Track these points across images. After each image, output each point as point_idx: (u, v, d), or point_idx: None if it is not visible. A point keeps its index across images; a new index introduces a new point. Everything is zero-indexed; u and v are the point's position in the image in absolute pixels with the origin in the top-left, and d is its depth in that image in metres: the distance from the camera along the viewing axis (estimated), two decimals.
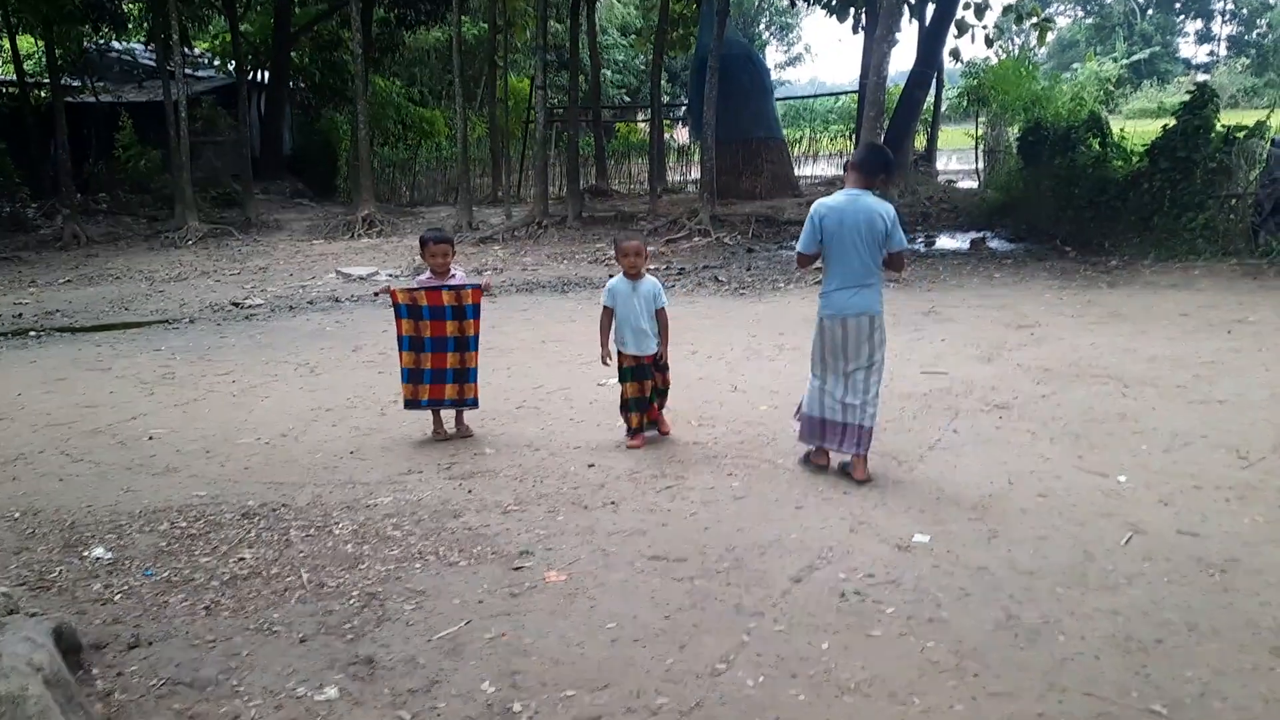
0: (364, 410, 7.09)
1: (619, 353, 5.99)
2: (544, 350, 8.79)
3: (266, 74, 27.82)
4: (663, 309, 6.02)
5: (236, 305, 12.17)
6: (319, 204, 24.39)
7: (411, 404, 6.28)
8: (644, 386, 6.01)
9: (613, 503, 5.10)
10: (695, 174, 25.72)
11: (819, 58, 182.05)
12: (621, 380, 6.02)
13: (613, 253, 13.74)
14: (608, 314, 6.02)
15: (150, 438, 6.53)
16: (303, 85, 29.13)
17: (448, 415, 6.42)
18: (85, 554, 4.59)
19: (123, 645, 3.68)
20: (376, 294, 6.34)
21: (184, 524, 4.97)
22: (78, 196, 20.49)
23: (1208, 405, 6.39)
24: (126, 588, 4.23)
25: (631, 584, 4.12)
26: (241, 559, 4.50)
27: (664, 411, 6.29)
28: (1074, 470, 5.32)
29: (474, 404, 6.36)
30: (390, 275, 14.38)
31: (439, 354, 6.16)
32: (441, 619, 3.84)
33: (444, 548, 4.56)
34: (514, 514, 4.98)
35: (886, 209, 5.24)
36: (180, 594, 4.15)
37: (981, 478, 5.27)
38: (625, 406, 6.05)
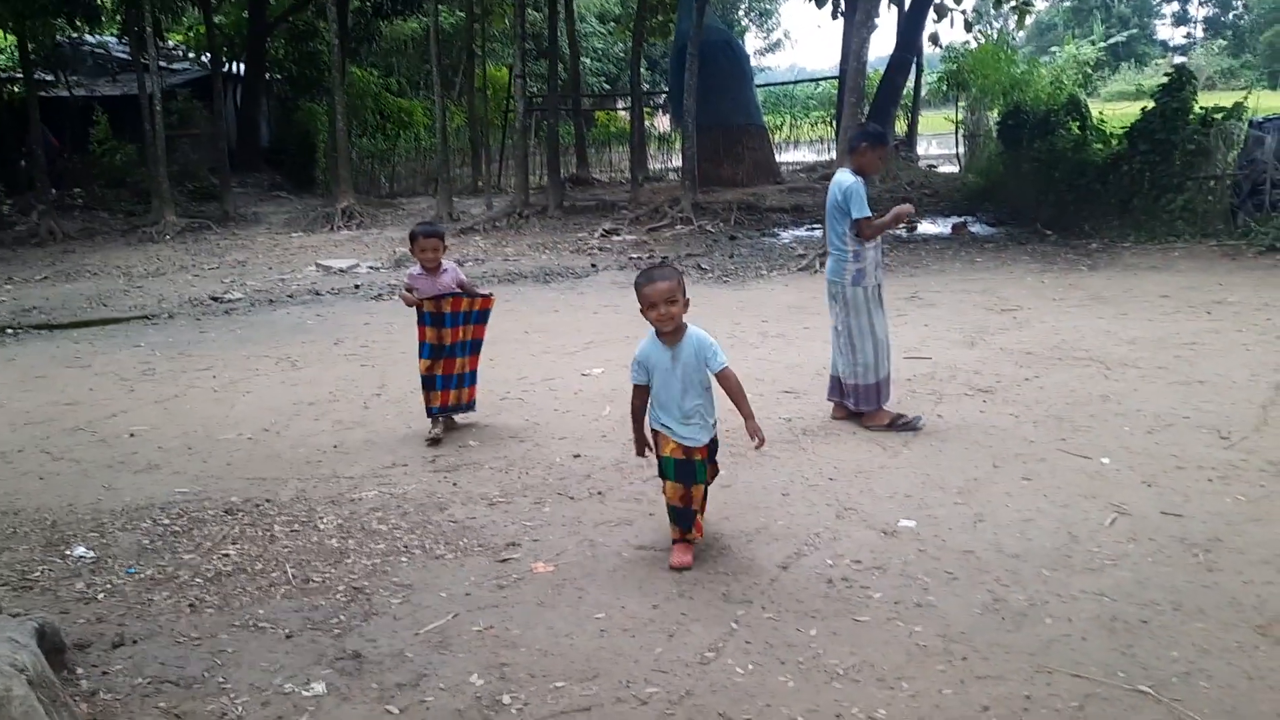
0: (347, 404, 7.05)
1: (655, 434, 4.23)
2: (527, 341, 8.75)
3: (242, 66, 27.57)
4: (724, 369, 4.09)
5: (216, 300, 12.07)
6: (297, 196, 24.20)
7: (430, 411, 6.17)
8: (690, 492, 4.15)
9: (599, 493, 5.09)
10: (676, 162, 25.66)
11: (799, 44, 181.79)
12: (662, 474, 4.24)
13: (592, 235, 13.76)
14: (640, 394, 4.23)
15: (131, 435, 6.48)
16: (279, 77, 28.89)
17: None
18: (67, 553, 4.55)
19: (107, 644, 3.65)
20: (410, 304, 6.07)
21: (167, 521, 4.93)
22: (53, 192, 20.28)
23: (1189, 386, 6.43)
24: (109, 586, 4.19)
25: (619, 574, 4.12)
26: (226, 555, 4.47)
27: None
28: (1058, 453, 5.34)
29: (473, 407, 6.34)
30: (370, 268, 14.30)
31: (450, 359, 6.10)
32: (428, 612, 3.82)
33: (430, 541, 4.54)
34: (500, 506, 4.97)
35: (841, 180, 5.79)
36: (164, 591, 4.12)
37: (966, 462, 5.28)
38: (673, 515, 4.24)
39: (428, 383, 6.10)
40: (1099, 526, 4.36)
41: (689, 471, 4.15)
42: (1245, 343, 7.47)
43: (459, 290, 6.10)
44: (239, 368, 8.33)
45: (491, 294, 6.28)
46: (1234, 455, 5.15)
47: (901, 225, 5.90)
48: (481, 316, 6.20)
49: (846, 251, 5.83)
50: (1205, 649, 3.30)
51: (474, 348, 6.23)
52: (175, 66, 28.11)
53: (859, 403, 5.95)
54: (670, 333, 4.04)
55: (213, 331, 10.09)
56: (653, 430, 4.23)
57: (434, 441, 6.02)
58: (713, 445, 4.28)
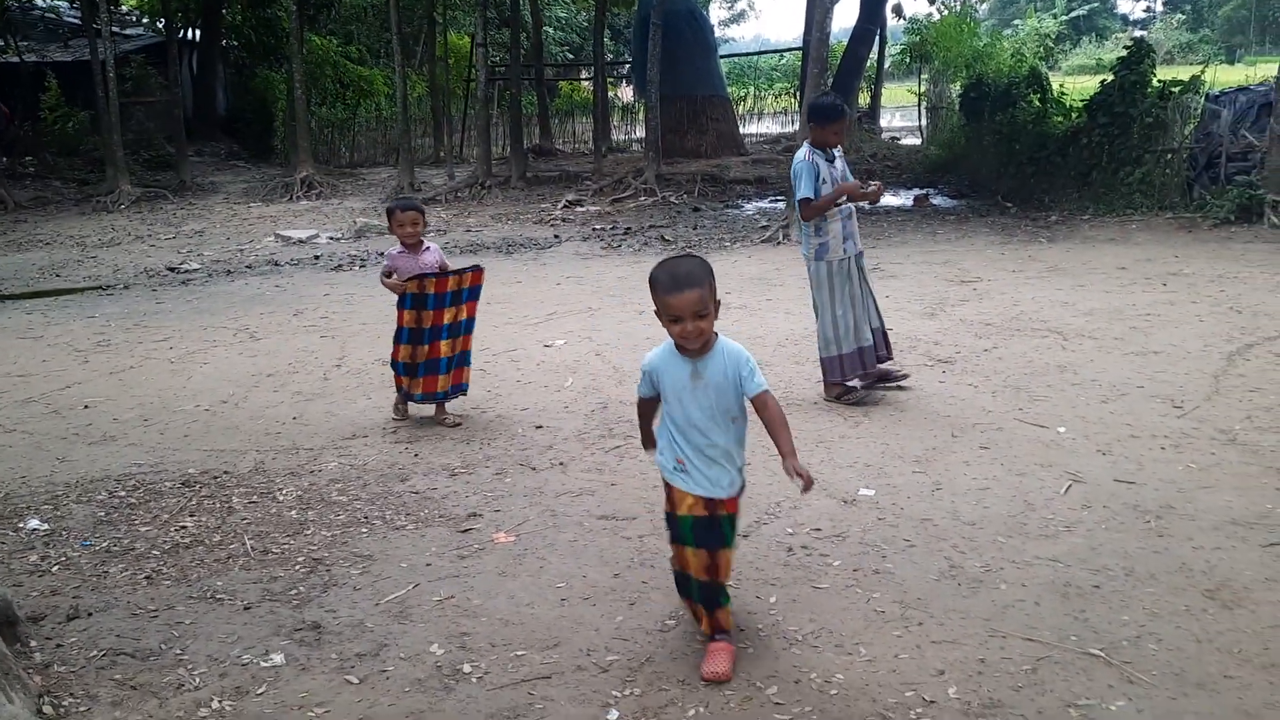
0: (306, 375, 6.98)
1: (667, 485, 3.24)
2: (489, 312, 8.68)
3: (198, 32, 27.03)
4: (763, 393, 3.12)
5: (173, 270, 11.89)
6: (255, 166, 23.86)
7: (406, 396, 5.84)
8: (717, 560, 3.18)
9: (561, 463, 5.09)
10: (640, 133, 25.54)
11: (762, 14, 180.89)
12: (676, 539, 3.21)
13: (555, 206, 13.69)
14: (648, 406, 3.42)
15: (86, 406, 6.38)
16: (236, 43, 28.36)
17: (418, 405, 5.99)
18: (20, 525, 4.48)
19: (61, 617, 3.60)
20: (397, 291, 5.63)
21: (123, 493, 4.87)
22: (3, 160, 19.82)
23: (1144, 356, 6.53)
24: (64, 559, 4.14)
25: (581, 543, 4.12)
26: (183, 527, 4.43)
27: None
28: (1015, 422, 5.41)
29: (463, 390, 5.91)
30: (330, 238, 14.14)
31: (435, 343, 5.66)
32: (389, 583, 3.81)
33: (390, 512, 4.52)
34: (461, 476, 4.95)
35: (796, 157, 5.86)
36: (120, 564, 4.07)
37: (925, 431, 5.33)
38: (693, 590, 3.24)
39: (407, 369, 5.71)
40: (1054, 494, 4.43)
41: (714, 533, 3.15)
42: (1199, 314, 7.59)
43: (440, 271, 5.68)
44: (196, 339, 8.22)
45: (481, 267, 5.82)
46: (1186, 424, 5.24)
47: (869, 202, 5.81)
48: (473, 293, 5.74)
49: (808, 226, 5.84)
50: (1155, 613, 3.37)
51: (466, 327, 5.77)
52: (129, 32, 27.52)
53: (823, 373, 6.00)
54: (694, 347, 3.11)
55: (169, 302, 9.95)
56: (663, 480, 3.26)
57: (401, 420, 5.83)
58: (738, 494, 3.25)
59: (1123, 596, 3.49)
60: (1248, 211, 11.46)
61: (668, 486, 3.24)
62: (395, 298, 5.67)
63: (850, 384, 5.88)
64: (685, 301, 3.00)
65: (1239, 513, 4.12)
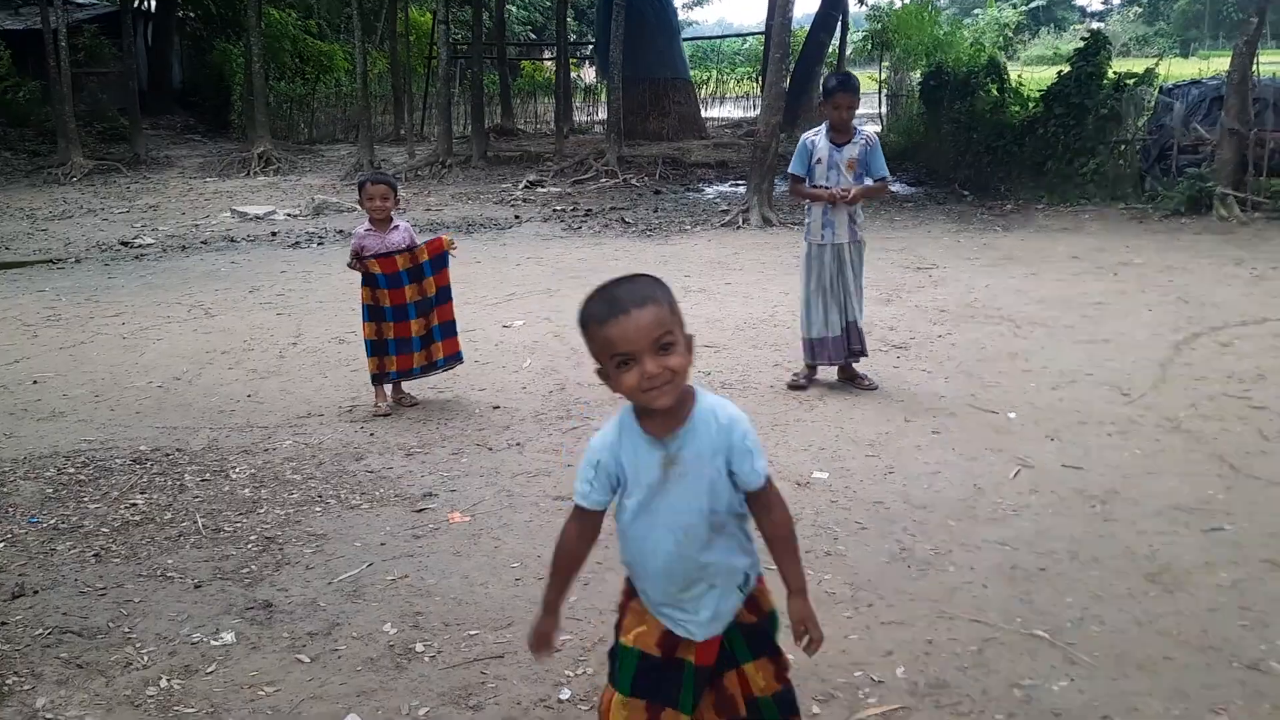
0: (261, 353, 6.91)
1: (624, 599, 2.25)
2: None
3: (153, 2, 26.49)
4: (765, 487, 2.09)
5: (126, 245, 11.70)
6: (212, 140, 23.50)
7: (379, 378, 5.63)
8: None
9: (518, 444, 5.08)
10: (602, 114, 25.45)
11: None
12: (611, 677, 2.18)
13: (516, 186, 13.69)
14: (585, 523, 2.18)
15: (35, 382, 6.27)
16: (192, 15, 27.86)
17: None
18: None
19: (6, 594, 3.55)
20: (350, 265, 5.54)
21: (72, 470, 4.79)
22: None
23: (1094, 344, 6.64)
24: (10, 536, 4.07)
25: (536, 524, 4.13)
26: (133, 505, 4.37)
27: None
28: (967, 408, 5.48)
29: (447, 363, 5.76)
30: (288, 215, 13.97)
31: (401, 323, 5.54)
32: (342, 562, 3.80)
33: (345, 491, 4.50)
34: (417, 456, 4.93)
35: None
36: (68, 541, 4.02)
37: (879, 416, 5.39)
38: None
39: (376, 348, 5.56)
40: (1003, 479, 4.50)
41: (664, 681, 2.12)
42: (1148, 303, 7.72)
43: (388, 251, 5.50)
44: (149, 315, 8.10)
45: (440, 237, 5.70)
46: (1133, 411, 5.35)
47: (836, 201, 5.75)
48: (436, 265, 5.57)
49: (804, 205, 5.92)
50: (1099, 595, 3.44)
51: (439, 299, 5.62)
52: (81, 0, 26.89)
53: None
54: (664, 412, 2.01)
55: (122, 277, 9.79)
56: (624, 590, 2.26)
57: (382, 415, 5.52)
58: (758, 632, 2.20)
59: (1068, 579, 3.56)
60: (1197, 203, 11.66)
61: (625, 598, 2.24)
62: (356, 275, 5.62)
63: (808, 373, 5.93)
64: (635, 328, 1.92)
65: (1182, 498, 4.21)
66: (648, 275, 2.05)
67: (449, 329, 5.75)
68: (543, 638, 2.21)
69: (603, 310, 1.96)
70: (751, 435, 2.05)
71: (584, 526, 2.14)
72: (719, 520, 2.07)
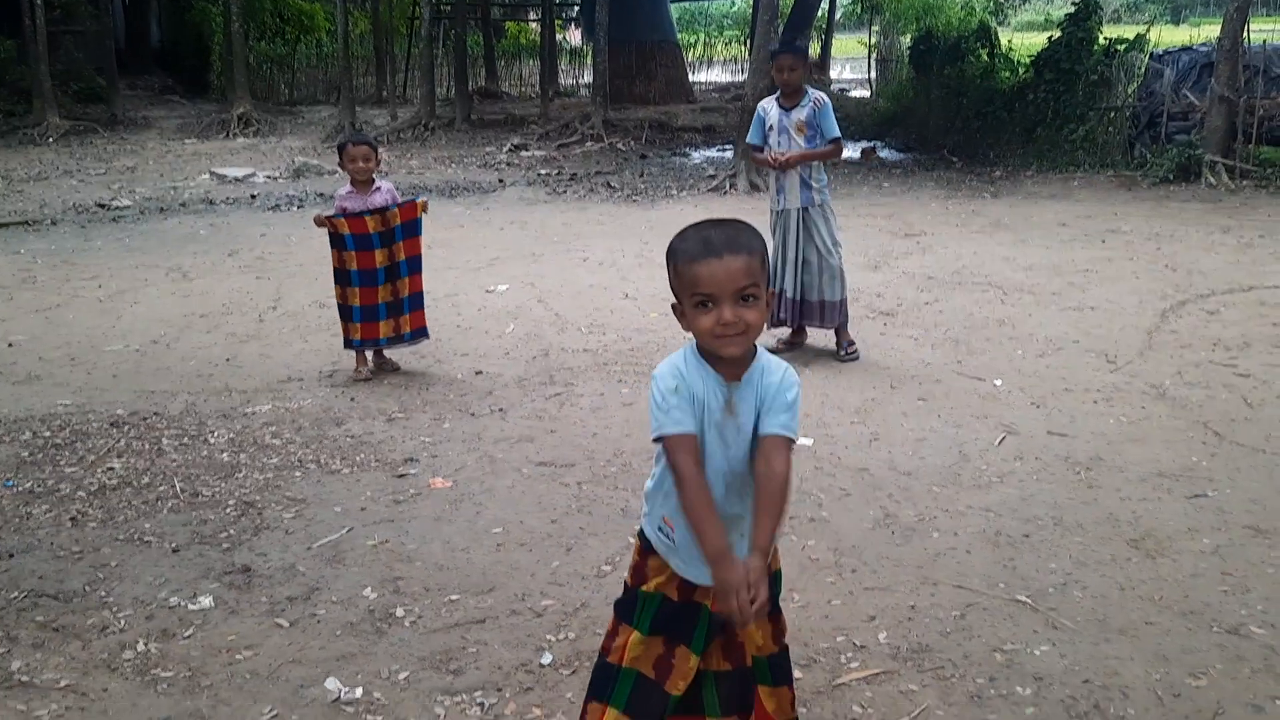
0: (240, 316, 6.83)
1: (640, 543, 2.25)
2: (430, 256, 8.47)
3: None
4: (783, 440, 2.02)
5: (103, 206, 11.53)
6: (190, 101, 23.17)
7: (348, 344, 5.55)
8: (673, 659, 2.19)
9: (500, 410, 5.04)
10: (588, 77, 25.23)
11: None
12: (619, 614, 2.26)
13: (500, 150, 13.65)
14: (686, 450, 1.99)
15: (10, 345, 6.18)
16: None
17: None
18: None
19: None
20: (320, 224, 5.40)
21: (48, 434, 4.73)
22: None
23: (1080, 312, 6.62)
24: None
25: (518, 490, 4.10)
26: (110, 469, 4.32)
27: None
28: (953, 375, 5.46)
29: (414, 338, 5.64)
30: (268, 177, 13.80)
31: (368, 288, 5.39)
32: (322, 527, 3.76)
33: (325, 455, 4.45)
34: (399, 421, 4.89)
35: None
36: (44, 505, 3.96)
37: (865, 383, 5.37)
38: (597, 683, 2.26)
39: (343, 312, 5.48)
40: (988, 445, 4.49)
41: (681, 621, 2.18)
42: (1135, 271, 7.71)
43: (360, 210, 5.36)
44: (127, 277, 8.00)
45: (417, 199, 5.57)
46: (1118, 378, 5.34)
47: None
48: (408, 230, 5.42)
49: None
50: (1082, 561, 3.44)
51: (408, 268, 5.48)
52: None
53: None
54: (729, 361, 2.03)
55: (99, 240, 9.65)
56: (639, 534, 2.26)
57: (363, 380, 5.45)
58: (773, 588, 2.12)
59: (1051, 545, 3.55)
60: (1186, 171, 11.64)
61: (640, 543, 2.25)
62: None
63: (790, 339, 5.91)
64: (724, 273, 1.94)
65: (1166, 465, 4.21)
66: (746, 223, 2.04)
67: (417, 301, 5.59)
68: (744, 587, 1.94)
69: (695, 248, 1.97)
70: (795, 393, 2.04)
71: (691, 455, 2.00)
72: (745, 456, 2.07)
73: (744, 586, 1.94)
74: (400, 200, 5.47)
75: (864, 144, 16.46)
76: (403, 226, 5.42)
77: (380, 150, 5.71)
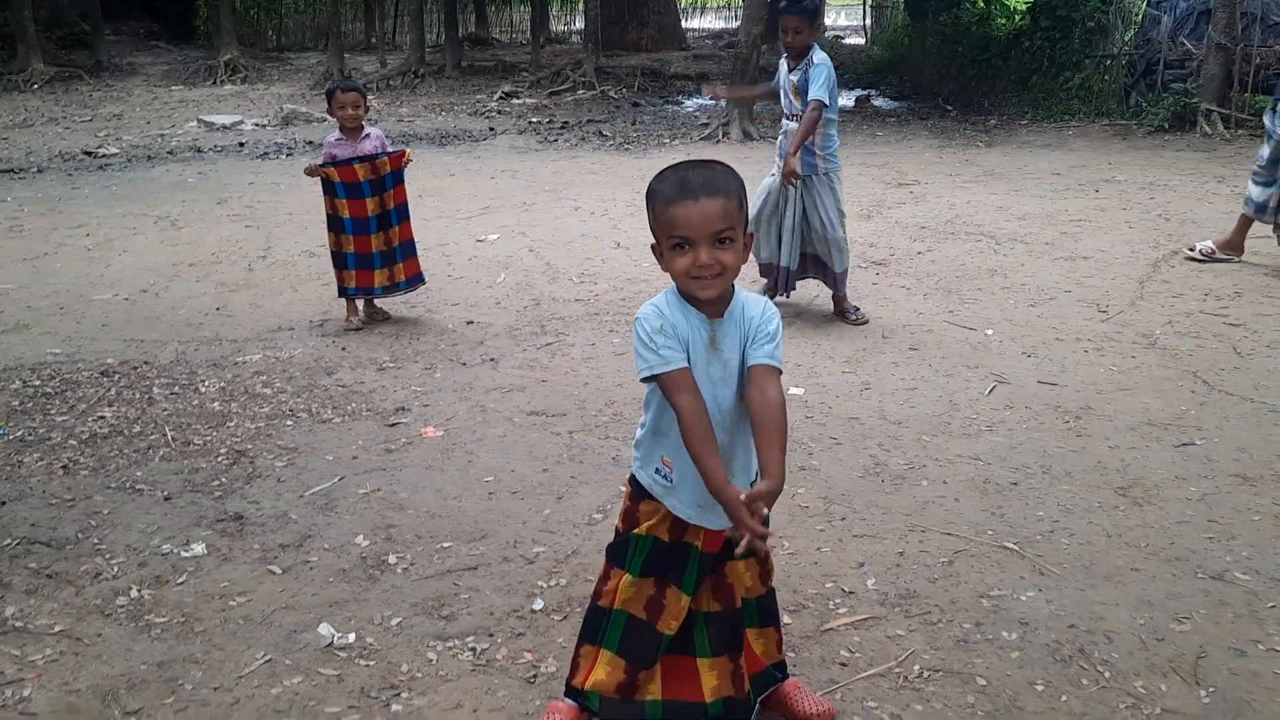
0: (230, 265, 6.79)
1: (631, 487, 2.29)
2: (421, 205, 8.48)
3: None
4: (770, 369, 2.06)
5: (89, 154, 11.41)
6: (176, 47, 22.83)
7: (342, 291, 5.53)
8: (663, 599, 2.22)
9: (492, 359, 5.03)
10: (579, 24, 24.89)
11: None
12: (612, 558, 2.31)
13: (491, 97, 13.62)
14: (685, 386, 2.04)
15: None
16: None
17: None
18: None
19: None
20: (311, 174, 5.39)
21: (38, 382, 4.72)
22: None
23: (1073, 261, 6.61)
24: None
25: (510, 439, 4.10)
26: (101, 417, 4.31)
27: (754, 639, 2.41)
28: (945, 324, 5.46)
29: (409, 285, 5.60)
30: (256, 125, 13.66)
31: (361, 237, 5.38)
32: (314, 475, 3.76)
33: (316, 405, 4.45)
34: (390, 371, 4.88)
35: None
36: (35, 453, 3.96)
37: (857, 333, 5.37)
38: (589, 627, 2.34)
39: (337, 259, 5.46)
40: (979, 395, 4.50)
41: (672, 562, 2.22)
42: (1129, 220, 7.69)
43: (349, 159, 5.34)
44: (115, 226, 7.94)
45: (404, 150, 5.53)
46: (1110, 328, 5.34)
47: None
48: (398, 177, 5.42)
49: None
50: (1070, 509, 3.46)
51: (397, 217, 5.45)
52: None
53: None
54: (706, 302, 2.08)
55: (86, 188, 9.56)
56: (630, 481, 2.30)
57: (354, 330, 5.45)
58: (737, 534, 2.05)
59: (1039, 493, 3.58)
60: (1181, 120, 11.57)
61: (632, 487, 2.28)
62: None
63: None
64: (700, 215, 1.97)
65: (1155, 414, 4.23)
66: (725, 165, 2.09)
67: (409, 249, 5.57)
68: (746, 511, 1.96)
69: (672, 190, 2.01)
70: (776, 324, 2.10)
71: (690, 390, 2.03)
72: (734, 391, 2.11)
73: (752, 512, 1.96)
74: (389, 149, 5.45)
75: (858, 92, 16.33)
76: (392, 175, 5.40)
77: (369, 97, 5.62)
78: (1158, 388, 4.53)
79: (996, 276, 6.32)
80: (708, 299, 2.05)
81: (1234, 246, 6.51)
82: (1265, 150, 6.38)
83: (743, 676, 2.26)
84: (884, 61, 18.34)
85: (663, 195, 2.02)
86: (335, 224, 5.41)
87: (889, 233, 7.49)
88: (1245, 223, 6.48)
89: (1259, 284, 6.04)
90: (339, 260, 5.47)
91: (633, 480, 2.26)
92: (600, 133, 12.88)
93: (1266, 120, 6.44)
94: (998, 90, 14.14)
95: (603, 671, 2.26)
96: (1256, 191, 6.42)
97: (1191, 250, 6.59)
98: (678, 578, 2.20)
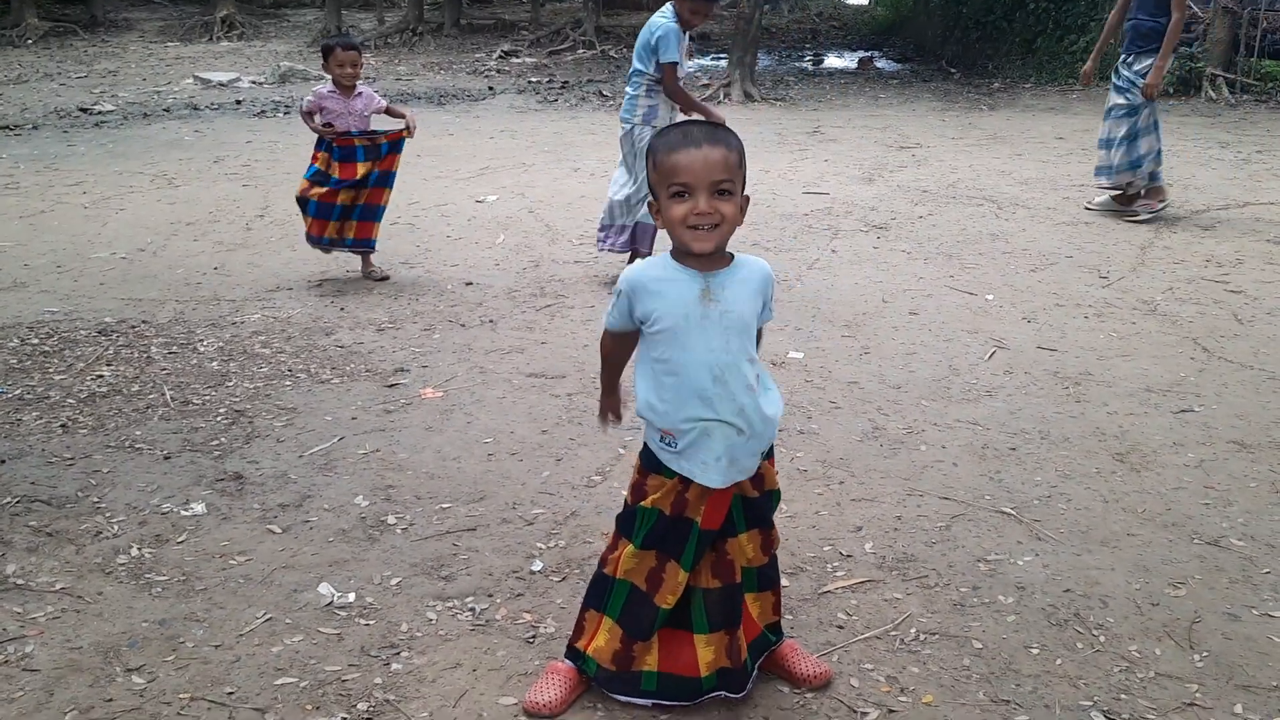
0: (228, 225, 6.75)
1: (640, 463, 2.27)
2: (419, 165, 8.44)
3: None
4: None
5: (85, 111, 11.32)
6: (173, 3, 22.58)
7: (310, 240, 5.53)
8: (663, 573, 2.23)
9: (491, 321, 5.02)
10: None
11: None
12: (621, 530, 2.29)
13: (490, 56, 13.53)
14: (617, 345, 2.31)
15: None
16: None
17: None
18: None
19: None
20: (322, 133, 5.34)
21: (35, 341, 4.70)
22: None
23: (1074, 227, 6.59)
24: None
25: (509, 400, 4.10)
26: (100, 376, 4.30)
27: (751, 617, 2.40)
28: (945, 289, 5.45)
29: (355, 245, 5.56)
30: (253, 82, 13.54)
31: (334, 190, 5.35)
32: (313, 436, 3.76)
33: (315, 365, 4.44)
34: (389, 332, 4.87)
35: (653, 23, 5.29)
36: (34, 412, 3.96)
37: (857, 296, 5.36)
38: (593, 592, 2.35)
39: (300, 204, 5.45)
40: (978, 360, 4.50)
41: (672, 537, 2.21)
42: None
43: (370, 117, 5.44)
44: (111, 184, 7.88)
45: (406, 129, 5.46)
46: (1110, 294, 5.33)
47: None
48: (393, 147, 5.43)
49: (641, 86, 5.40)
50: (1067, 474, 3.47)
51: (377, 180, 5.43)
52: None
53: (621, 244, 5.51)
54: (702, 257, 2.06)
55: (82, 145, 9.49)
56: (640, 455, 2.27)
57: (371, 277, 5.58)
58: (756, 505, 2.26)
59: (1037, 459, 3.58)
60: (1187, 84, 11.49)
61: (641, 463, 2.26)
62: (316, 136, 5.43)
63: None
64: (701, 161, 1.97)
65: (1154, 380, 4.23)
66: (727, 127, 2.13)
67: (371, 213, 5.50)
68: (609, 410, 2.46)
69: (674, 139, 2.02)
70: (761, 278, 2.16)
71: (616, 340, 2.28)
72: (746, 359, 2.11)
73: (611, 416, 2.46)
74: (380, 103, 5.51)
75: (861, 54, 16.18)
76: (388, 144, 5.42)
77: (362, 52, 5.62)
78: (1157, 354, 4.52)
79: (998, 241, 6.30)
80: (703, 252, 2.04)
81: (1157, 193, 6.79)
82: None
83: (740, 648, 2.28)
84: (887, 23, 18.18)
85: (665, 145, 2.02)
86: (319, 177, 5.38)
87: (890, 196, 7.45)
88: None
89: (1261, 250, 6.02)
90: (303, 205, 5.44)
91: (643, 454, 2.26)
92: (600, 93, 12.78)
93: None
94: (1001, 53, 14.03)
95: (603, 639, 2.29)
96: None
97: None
98: (677, 553, 2.21)
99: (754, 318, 2.13)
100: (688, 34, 5.35)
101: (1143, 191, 6.69)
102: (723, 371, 2.08)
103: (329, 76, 5.42)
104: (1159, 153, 6.63)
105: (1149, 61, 6.35)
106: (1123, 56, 6.58)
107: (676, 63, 5.20)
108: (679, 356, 2.09)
